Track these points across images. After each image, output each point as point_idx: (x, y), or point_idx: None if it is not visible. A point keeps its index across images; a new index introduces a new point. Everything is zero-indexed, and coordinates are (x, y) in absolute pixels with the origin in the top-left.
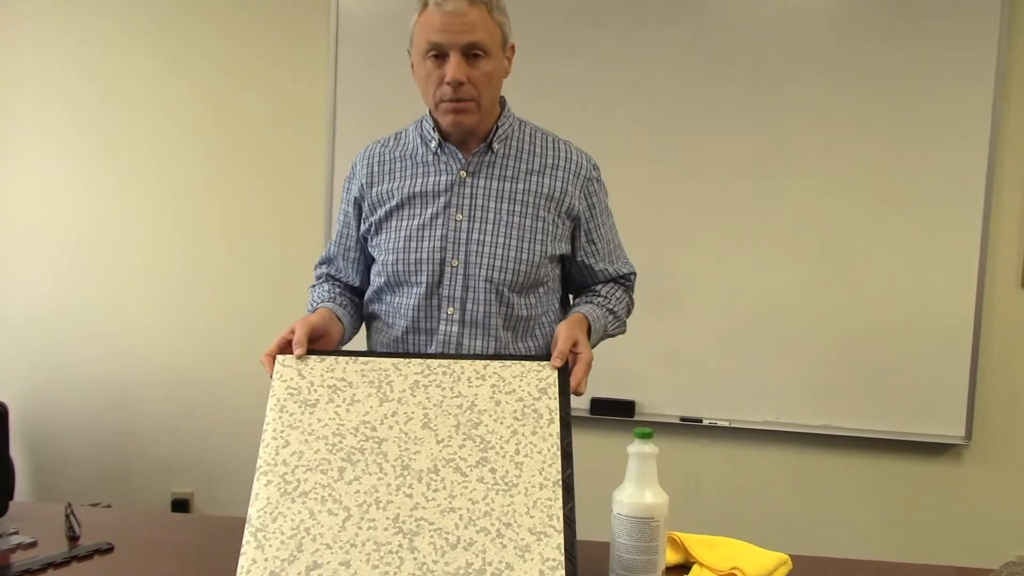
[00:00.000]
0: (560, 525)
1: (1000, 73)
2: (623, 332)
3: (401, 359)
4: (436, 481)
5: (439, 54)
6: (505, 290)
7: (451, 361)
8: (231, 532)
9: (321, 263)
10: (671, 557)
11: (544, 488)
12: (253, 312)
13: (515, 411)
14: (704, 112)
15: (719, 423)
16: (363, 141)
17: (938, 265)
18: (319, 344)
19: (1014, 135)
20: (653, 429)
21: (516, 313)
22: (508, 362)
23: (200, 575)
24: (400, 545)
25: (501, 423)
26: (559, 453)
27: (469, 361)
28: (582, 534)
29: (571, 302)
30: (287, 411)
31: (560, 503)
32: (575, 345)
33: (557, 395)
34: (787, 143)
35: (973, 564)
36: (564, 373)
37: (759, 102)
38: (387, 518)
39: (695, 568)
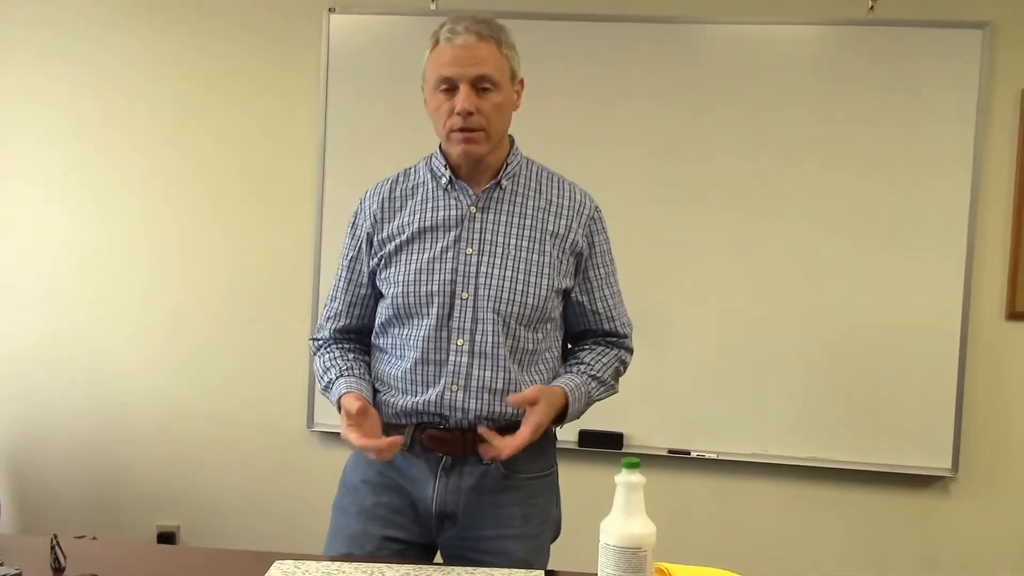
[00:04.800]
0: None
1: (981, 109)
2: (614, 393)
3: (396, 563)
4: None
5: (450, 87)
6: (512, 322)
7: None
8: (217, 564)
9: (325, 324)
10: None
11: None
12: (242, 345)
13: (503, 573)
14: (688, 147)
15: (707, 455)
16: (353, 170)
17: (923, 297)
18: (369, 421)
19: (996, 168)
20: (640, 459)
21: (522, 346)
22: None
23: None
24: None
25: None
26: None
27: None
28: (569, 565)
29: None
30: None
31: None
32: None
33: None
34: (772, 177)
35: None
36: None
37: (744, 138)
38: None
39: None
